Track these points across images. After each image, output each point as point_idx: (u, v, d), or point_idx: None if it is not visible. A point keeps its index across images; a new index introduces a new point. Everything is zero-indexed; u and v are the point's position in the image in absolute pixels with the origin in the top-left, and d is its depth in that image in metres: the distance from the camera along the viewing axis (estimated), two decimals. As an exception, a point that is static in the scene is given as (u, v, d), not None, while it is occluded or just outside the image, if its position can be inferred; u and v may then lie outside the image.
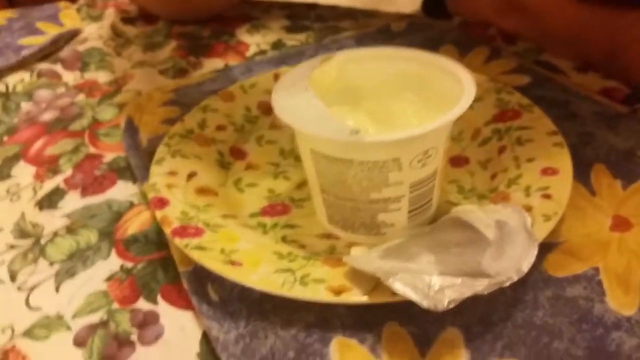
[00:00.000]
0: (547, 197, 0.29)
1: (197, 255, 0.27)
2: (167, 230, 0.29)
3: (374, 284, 0.25)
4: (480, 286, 0.23)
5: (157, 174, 0.33)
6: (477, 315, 0.26)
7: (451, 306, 0.23)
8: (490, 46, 0.47)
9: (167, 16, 0.56)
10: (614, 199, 0.31)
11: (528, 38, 0.48)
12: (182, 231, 0.29)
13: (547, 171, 0.31)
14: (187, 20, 0.56)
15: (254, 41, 0.53)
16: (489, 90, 0.37)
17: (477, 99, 0.36)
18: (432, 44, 0.46)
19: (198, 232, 0.29)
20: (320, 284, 0.25)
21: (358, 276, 0.25)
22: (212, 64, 0.50)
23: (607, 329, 0.25)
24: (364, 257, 0.25)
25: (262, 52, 0.51)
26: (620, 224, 0.30)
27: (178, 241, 0.28)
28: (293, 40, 0.53)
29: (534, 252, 0.25)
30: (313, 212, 0.32)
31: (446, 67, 0.29)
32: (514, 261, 0.25)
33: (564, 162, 0.31)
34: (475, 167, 0.34)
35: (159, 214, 0.30)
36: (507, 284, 0.24)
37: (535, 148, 0.33)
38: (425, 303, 0.22)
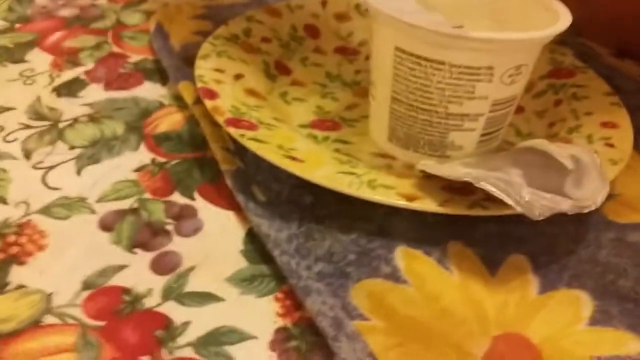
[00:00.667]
0: (611, 145, 0.28)
1: (254, 146, 0.25)
2: (220, 119, 0.26)
3: (446, 197, 0.24)
4: (566, 205, 0.22)
5: (204, 67, 0.30)
6: (541, 246, 0.25)
7: (541, 217, 0.21)
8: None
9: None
10: (665, 163, 0.31)
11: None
12: (235, 122, 0.26)
13: (607, 124, 0.30)
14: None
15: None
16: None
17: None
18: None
19: (252, 126, 0.27)
20: (389, 190, 0.24)
21: (428, 187, 0.24)
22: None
23: (672, 273, 0.24)
24: (442, 165, 0.24)
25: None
26: (675, 184, 0.30)
27: (233, 130, 0.26)
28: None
29: (607, 187, 0.24)
30: (365, 132, 0.30)
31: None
32: (591, 191, 0.24)
33: (623, 118, 0.30)
34: (531, 116, 0.33)
35: (209, 103, 0.27)
36: (590, 209, 0.23)
37: (592, 104, 0.32)
38: (519, 208, 0.21)
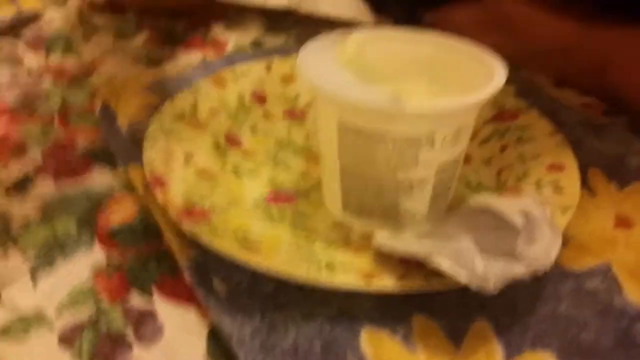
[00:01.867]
0: (559, 190, 0.29)
1: (208, 239, 0.25)
2: (173, 213, 0.26)
3: (403, 270, 0.24)
4: (520, 270, 0.23)
5: (152, 153, 0.30)
6: (502, 307, 0.25)
7: (496, 288, 0.22)
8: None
9: (139, 6, 0.53)
10: (613, 199, 0.32)
11: (507, 54, 0.49)
12: (187, 213, 0.26)
13: (554, 167, 0.31)
14: (159, 13, 0.53)
15: (232, 38, 0.51)
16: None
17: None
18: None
19: (205, 215, 0.26)
20: (347, 271, 0.24)
21: (384, 262, 0.24)
22: (189, 57, 0.48)
23: (632, 319, 0.25)
24: (397, 239, 0.24)
25: (242, 49, 0.49)
26: (624, 221, 0.30)
27: (185, 224, 0.26)
28: (273, 41, 0.51)
29: (559, 241, 0.25)
30: (321, 202, 0.30)
31: (469, 51, 0.28)
32: (544, 249, 0.24)
33: (569, 158, 0.31)
34: (479, 165, 0.33)
35: (159, 195, 0.27)
36: (543, 271, 0.23)
37: (537, 146, 0.33)
38: (473, 284, 0.21)
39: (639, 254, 0.28)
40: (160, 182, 0.28)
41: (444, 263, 0.22)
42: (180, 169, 0.29)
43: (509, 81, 0.42)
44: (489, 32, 0.49)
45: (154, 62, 0.46)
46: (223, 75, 0.37)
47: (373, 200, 0.27)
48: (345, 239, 0.28)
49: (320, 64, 0.26)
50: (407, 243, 0.23)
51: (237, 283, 0.26)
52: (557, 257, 0.28)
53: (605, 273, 0.27)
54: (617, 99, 0.41)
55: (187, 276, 0.26)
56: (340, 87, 0.24)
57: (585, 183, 0.33)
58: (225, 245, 0.24)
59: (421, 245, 0.23)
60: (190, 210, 0.26)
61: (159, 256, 0.29)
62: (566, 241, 0.29)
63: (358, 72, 0.29)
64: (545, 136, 0.33)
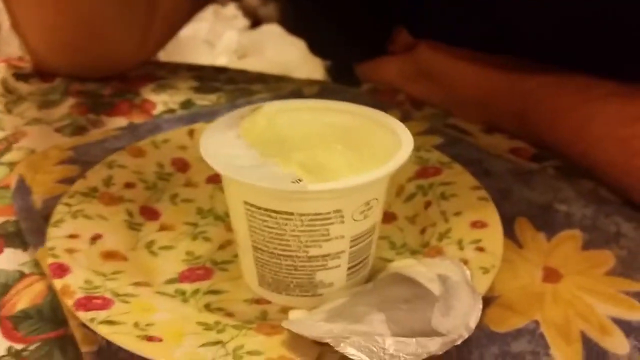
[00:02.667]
0: (481, 249, 0.28)
1: (105, 331, 0.23)
2: (69, 302, 0.24)
3: (318, 352, 0.22)
4: (434, 346, 0.22)
5: (56, 237, 0.28)
6: (425, 379, 0.24)
7: (407, 370, 0.20)
8: (401, 110, 0.48)
9: (67, 72, 0.52)
10: (541, 251, 0.31)
11: (435, 103, 0.49)
12: (86, 302, 0.25)
13: (477, 224, 0.30)
14: (87, 78, 0.52)
15: (161, 100, 0.50)
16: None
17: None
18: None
19: (106, 304, 0.25)
20: (256, 357, 0.22)
21: (299, 344, 0.23)
22: (115, 123, 0.46)
23: (557, 384, 0.24)
24: (307, 321, 0.23)
25: (171, 111, 0.48)
26: (551, 275, 0.30)
27: (82, 315, 0.24)
28: (203, 100, 0.50)
29: (479, 306, 0.24)
30: (239, 275, 0.29)
31: (379, 119, 0.28)
32: (461, 317, 0.23)
33: (491, 214, 0.31)
34: (404, 223, 0.33)
35: (58, 282, 0.26)
36: (459, 342, 0.22)
37: (460, 202, 0.32)
38: (380, 369, 0.20)
39: (567, 309, 0.28)
40: (62, 269, 0.26)
41: (350, 351, 0.21)
42: (86, 252, 0.28)
43: (435, 132, 0.43)
44: (416, 82, 0.49)
45: (78, 130, 0.45)
46: (141, 146, 0.36)
47: (288, 277, 0.26)
48: (263, 315, 0.27)
49: (224, 143, 0.25)
50: (317, 326, 0.22)
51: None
52: (482, 319, 0.27)
53: (533, 332, 0.27)
54: (542, 142, 0.41)
55: (89, 366, 0.25)
56: (243, 169, 0.23)
57: (513, 234, 0.33)
58: (122, 338, 0.23)
59: (330, 330, 0.22)
60: (89, 299, 0.25)
61: (65, 344, 0.27)
62: (492, 300, 0.28)
63: (270, 144, 0.28)
64: (469, 190, 0.33)
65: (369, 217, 0.25)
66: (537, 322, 0.27)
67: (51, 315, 0.28)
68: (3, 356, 0.26)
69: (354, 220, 0.24)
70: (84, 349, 0.25)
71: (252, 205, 0.24)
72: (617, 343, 0.26)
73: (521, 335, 0.26)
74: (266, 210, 0.24)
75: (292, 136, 0.29)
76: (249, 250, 0.26)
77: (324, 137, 0.29)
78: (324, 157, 0.29)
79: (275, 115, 0.29)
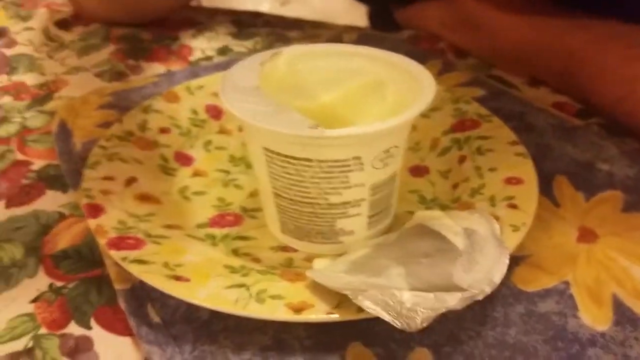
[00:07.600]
0: (513, 207, 0.28)
1: (136, 270, 0.24)
2: (102, 241, 0.25)
3: (338, 299, 0.23)
4: (453, 301, 0.21)
5: (91, 178, 0.29)
6: (445, 334, 0.24)
7: (424, 325, 0.20)
8: (442, 59, 0.46)
9: (107, 18, 0.52)
10: (578, 211, 0.30)
11: (477, 54, 0.48)
12: (119, 242, 0.25)
13: (511, 181, 0.29)
14: (128, 23, 0.52)
15: (199, 46, 0.50)
16: (445, 99, 0.36)
17: (433, 109, 0.35)
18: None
19: (138, 244, 0.26)
20: (278, 301, 0.23)
21: (320, 291, 0.23)
22: (153, 69, 0.47)
23: (583, 345, 0.24)
24: (329, 271, 0.23)
25: (208, 58, 0.48)
26: (587, 235, 0.29)
27: (114, 253, 0.25)
28: (240, 46, 0.50)
29: (505, 261, 0.24)
30: (267, 223, 0.29)
31: (403, 65, 0.27)
32: (485, 272, 0.23)
33: (528, 171, 0.30)
34: (436, 177, 0.32)
35: (92, 222, 0.26)
36: (481, 297, 0.22)
37: (496, 158, 0.31)
38: (398, 323, 0.20)
39: (600, 271, 0.27)
40: (96, 209, 0.27)
41: (366, 303, 0.21)
42: (120, 194, 0.29)
43: (477, 83, 0.42)
44: (457, 31, 0.47)
45: (117, 76, 0.46)
46: (176, 91, 0.36)
47: (309, 224, 0.26)
48: (288, 262, 0.27)
49: (244, 88, 0.25)
50: (337, 277, 0.22)
51: (173, 310, 0.25)
52: (510, 277, 0.27)
53: (562, 293, 0.26)
54: (586, 101, 0.39)
55: (122, 304, 0.26)
56: (261, 115, 0.23)
57: (551, 193, 0.32)
58: (151, 277, 0.23)
59: (349, 282, 0.22)
60: (121, 238, 0.26)
61: (101, 283, 0.28)
62: (522, 259, 0.28)
63: (290, 90, 0.28)
64: (506, 145, 0.32)
65: (389, 165, 0.25)
66: (567, 283, 0.26)
67: (89, 255, 0.29)
68: (45, 292, 0.28)
69: (374, 168, 0.24)
70: (118, 286, 0.26)
71: (271, 151, 0.24)
72: (651, 308, 0.25)
73: (549, 295, 0.26)
74: (285, 156, 0.24)
75: (313, 82, 0.29)
76: (271, 196, 0.26)
77: (344, 83, 0.28)
78: (344, 104, 0.28)
79: (296, 60, 0.28)
